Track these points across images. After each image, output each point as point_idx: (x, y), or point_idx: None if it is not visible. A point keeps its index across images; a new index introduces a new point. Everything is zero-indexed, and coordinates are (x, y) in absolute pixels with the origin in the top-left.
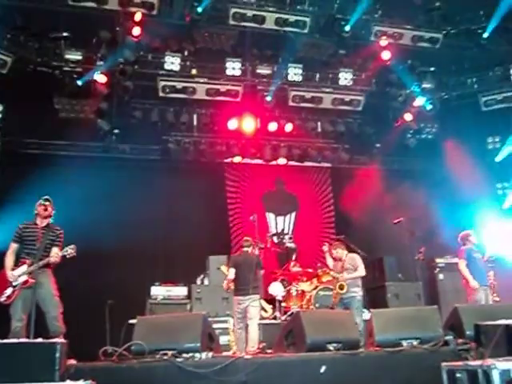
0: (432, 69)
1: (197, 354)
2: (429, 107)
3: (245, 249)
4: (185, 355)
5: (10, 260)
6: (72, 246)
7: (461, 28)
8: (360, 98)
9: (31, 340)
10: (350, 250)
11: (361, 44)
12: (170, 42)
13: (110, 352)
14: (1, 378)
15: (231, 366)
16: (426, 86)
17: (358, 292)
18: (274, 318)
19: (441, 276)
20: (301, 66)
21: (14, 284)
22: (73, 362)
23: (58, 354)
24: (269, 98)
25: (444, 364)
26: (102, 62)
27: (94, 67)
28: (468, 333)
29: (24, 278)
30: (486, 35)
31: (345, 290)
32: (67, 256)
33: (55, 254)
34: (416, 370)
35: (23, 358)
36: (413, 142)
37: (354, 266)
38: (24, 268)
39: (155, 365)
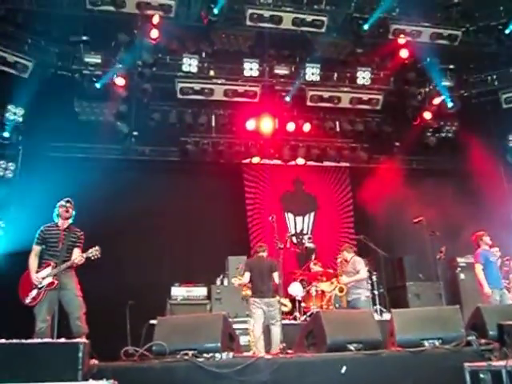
0: (451, 66)
1: (217, 354)
2: (449, 105)
3: (260, 254)
4: (205, 355)
5: (34, 262)
6: (97, 248)
7: (480, 25)
8: (378, 97)
9: (54, 340)
10: (359, 254)
11: (379, 42)
12: (187, 43)
13: (131, 352)
14: (25, 377)
15: (252, 366)
16: (445, 83)
17: (362, 294)
18: (294, 318)
19: (462, 275)
20: (318, 65)
21: (39, 286)
22: (94, 361)
23: (80, 354)
24: (288, 99)
25: (467, 364)
26: (120, 65)
27: (113, 70)
28: (491, 333)
29: (49, 279)
30: (507, 31)
31: (344, 293)
32: (92, 258)
33: (79, 255)
34: (438, 371)
35: (46, 357)
36: (432, 141)
37: (355, 270)
38: (49, 270)
39: (176, 365)
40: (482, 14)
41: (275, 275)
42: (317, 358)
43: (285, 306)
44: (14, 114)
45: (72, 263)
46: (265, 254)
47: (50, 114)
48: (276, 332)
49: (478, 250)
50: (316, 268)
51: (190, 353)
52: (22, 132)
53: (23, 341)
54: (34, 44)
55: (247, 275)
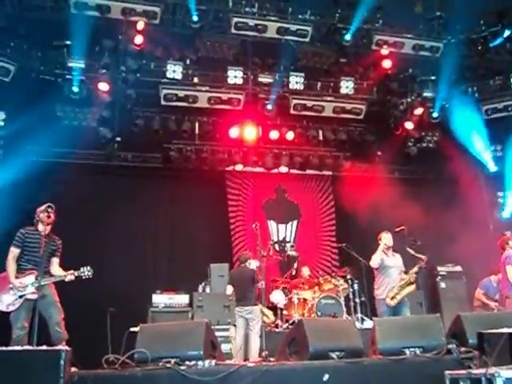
0: (433, 77)
1: (200, 362)
2: (434, 114)
3: (242, 265)
4: (188, 363)
5: (13, 266)
6: (89, 268)
7: (461, 37)
8: (361, 107)
9: (36, 347)
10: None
11: (362, 53)
12: (172, 50)
13: (112, 360)
14: None
15: (235, 374)
16: (426, 94)
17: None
18: (276, 326)
19: (442, 284)
20: (302, 74)
21: (19, 294)
22: (75, 369)
23: (62, 362)
24: (269, 107)
25: (447, 372)
26: (104, 71)
27: (97, 75)
28: (471, 341)
29: (32, 289)
30: (491, 45)
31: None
32: (83, 277)
33: (71, 274)
34: (419, 379)
35: (28, 365)
36: (414, 151)
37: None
38: (32, 278)
39: (158, 373)
40: (463, 27)
41: (257, 285)
42: (299, 366)
43: (266, 316)
44: None
45: (60, 279)
46: (247, 264)
47: (32, 118)
48: (253, 340)
49: (506, 252)
50: (307, 272)
51: (173, 360)
52: (3, 136)
53: (3, 348)
54: (16, 48)
55: (229, 288)
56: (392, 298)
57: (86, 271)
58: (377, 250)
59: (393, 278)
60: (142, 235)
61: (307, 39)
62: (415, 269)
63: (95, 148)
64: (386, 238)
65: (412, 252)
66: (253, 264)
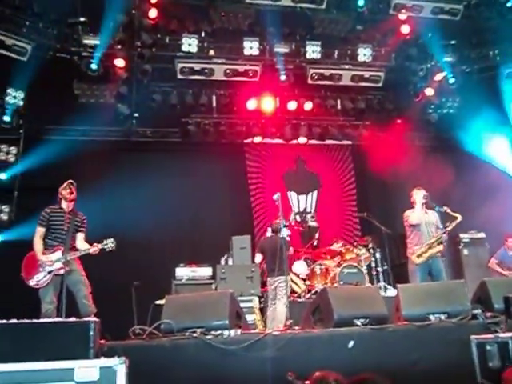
0: (453, 42)
1: (225, 332)
2: (451, 81)
3: (273, 233)
4: (213, 333)
5: (40, 244)
6: (112, 240)
7: None
8: (380, 74)
9: (65, 319)
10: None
11: (379, 18)
12: (186, 23)
13: (138, 332)
14: (37, 356)
15: (260, 343)
16: (447, 59)
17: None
18: (299, 296)
19: (465, 251)
20: (319, 43)
21: (48, 270)
22: (103, 341)
23: (91, 332)
24: (283, 78)
25: (473, 337)
26: (119, 46)
27: (112, 52)
28: (497, 306)
29: (59, 264)
30: (509, 4)
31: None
32: (106, 250)
33: (95, 247)
34: (445, 344)
35: (58, 336)
36: (434, 117)
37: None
38: (59, 254)
39: (185, 342)
40: None
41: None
42: (324, 334)
43: (297, 285)
44: (14, 97)
45: (85, 252)
46: (280, 233)
47: (51, 96)
48: (280, 310)
49: None
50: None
51: (198, 331)
52: (22, 116)
53: (35, 320)
54: (32, 26)
55: (258, 256)
56: (418, 256)
57: (110, 243)
58: (415, 207)
59: (423, 235)
60: (162, 209)
61: (323, 6)
62: (449, 228)
63: (113, 125)
64: (418, 195)
65: (448, 210)
66: (285, 232)
